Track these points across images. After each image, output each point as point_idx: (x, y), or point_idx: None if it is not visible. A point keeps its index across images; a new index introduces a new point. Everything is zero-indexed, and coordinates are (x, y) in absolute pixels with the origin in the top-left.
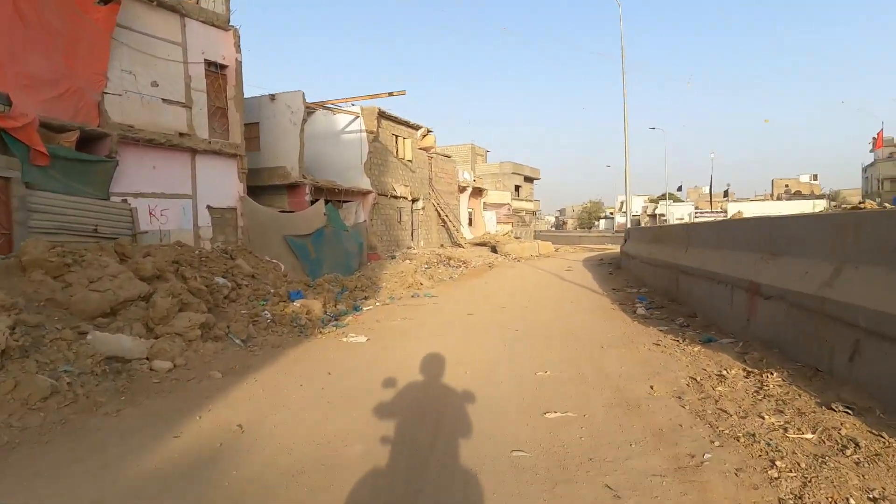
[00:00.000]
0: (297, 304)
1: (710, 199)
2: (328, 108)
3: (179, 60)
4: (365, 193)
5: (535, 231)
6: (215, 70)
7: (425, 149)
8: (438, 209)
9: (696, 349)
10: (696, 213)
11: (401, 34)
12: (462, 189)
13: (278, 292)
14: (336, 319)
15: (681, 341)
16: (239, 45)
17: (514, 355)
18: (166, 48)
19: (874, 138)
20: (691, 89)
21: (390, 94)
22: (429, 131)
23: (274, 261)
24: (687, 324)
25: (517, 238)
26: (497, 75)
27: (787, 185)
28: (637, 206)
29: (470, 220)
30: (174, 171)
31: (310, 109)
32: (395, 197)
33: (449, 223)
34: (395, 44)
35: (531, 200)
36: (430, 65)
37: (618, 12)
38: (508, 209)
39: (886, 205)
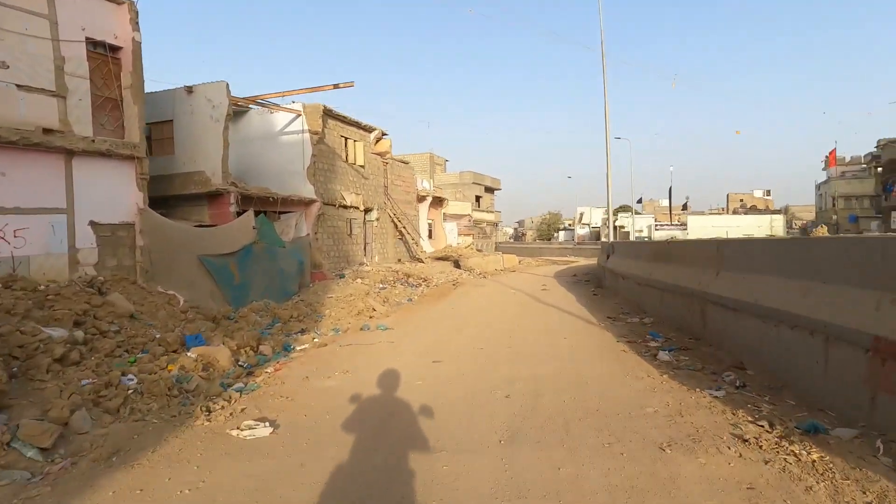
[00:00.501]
0: (191, 354)
1: (670, 211)
2: (262, 105)
3: (46, 37)
4: (308, 203)
5: (495, 243)
6: (104, 52)
7: (380, 154)
8: (395, 220)
9: (808, 453)
10: (655, 225)
11: (357, 31)
12: (421, 198)
13: (165, 339)
14: (251, 374)
15: (768, 431)
16: (137, 23)
17: (518, 476)
18: (23, 20)
19: (826, 157)
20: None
21: (336, 87)
22: (384, 134)
23: (170, 292)
24: (741, 383)
25: (479, 251)
26: (459, 78)
27: (741, 200)
28: (596, 217)
29: (430, 232)
30: (38, 179)
31: (239, 107)
32: (345, 206)
33: (407, 235)
34: (348, 40)
35: (492, 211)
36: (388, 69)
37: (596, 7)
38: (469, 220)
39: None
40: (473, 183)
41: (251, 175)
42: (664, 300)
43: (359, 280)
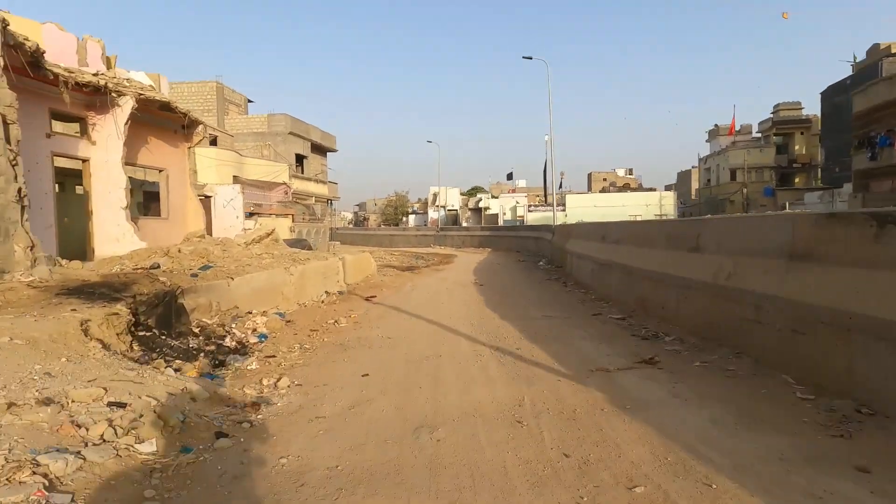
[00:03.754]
0: None
1: (545, 188)
2: None
3: None
4: None
5: (330, 229)
6: None
7: None
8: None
9: None
10: (529, 206)
11: None
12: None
13: None
14: None
15: None
16: None
17: None
18: None
19: (717, 126)
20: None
21: None
22: None
23: None
24: None
25: (300, 244)
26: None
27: (605, 179)
28: (453, 198)
29: (161, 206)
30: None
31: None
32: None
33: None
34: None
35: (323, 182)
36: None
37: None
38: (286, 192)
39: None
40: (291, 134)
41: None
42: None
43: None
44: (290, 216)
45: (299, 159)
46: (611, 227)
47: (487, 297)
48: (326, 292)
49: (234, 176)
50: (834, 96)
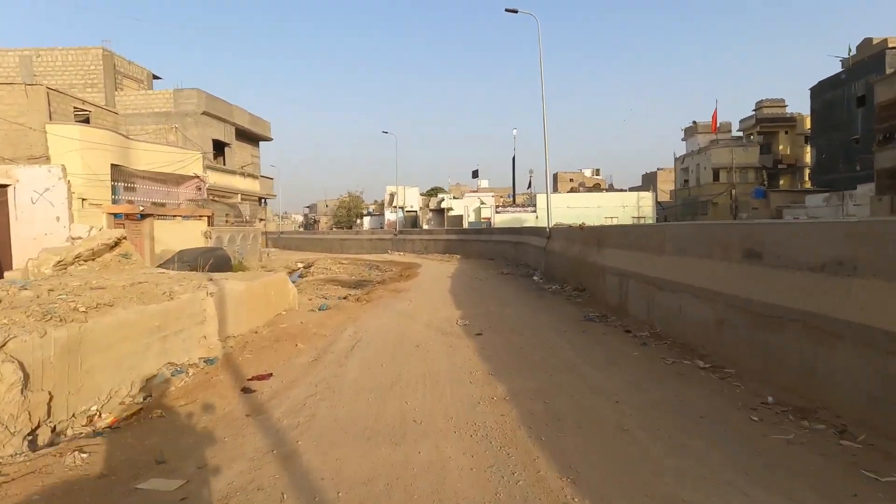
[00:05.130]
0: None
1: (514, 186)
2: None
3: None
4: None
5: (264, 234)
6: None
7: None
8: None
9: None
10: (497, 207)
11: None
12: None
13: None
14: None
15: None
16: None
17: None
18: None
19: (695, 123)
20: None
21: None
22: None
23: None
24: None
25: (210, 255)
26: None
27: (571, 179)
28: (412, 199)
29: None
30: None
31: None
32: None
33: None
34: None
35: (254, 176)
36: None
37: None
38: (198, 187)
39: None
40: (206, 115)
41: None
42: None
43: None
44: (206, 218)
45: (219, 147)
46: (764, 229)
47: (507, 381)
48: (170, 365)
49: (112, 165)
50: (825, 92)
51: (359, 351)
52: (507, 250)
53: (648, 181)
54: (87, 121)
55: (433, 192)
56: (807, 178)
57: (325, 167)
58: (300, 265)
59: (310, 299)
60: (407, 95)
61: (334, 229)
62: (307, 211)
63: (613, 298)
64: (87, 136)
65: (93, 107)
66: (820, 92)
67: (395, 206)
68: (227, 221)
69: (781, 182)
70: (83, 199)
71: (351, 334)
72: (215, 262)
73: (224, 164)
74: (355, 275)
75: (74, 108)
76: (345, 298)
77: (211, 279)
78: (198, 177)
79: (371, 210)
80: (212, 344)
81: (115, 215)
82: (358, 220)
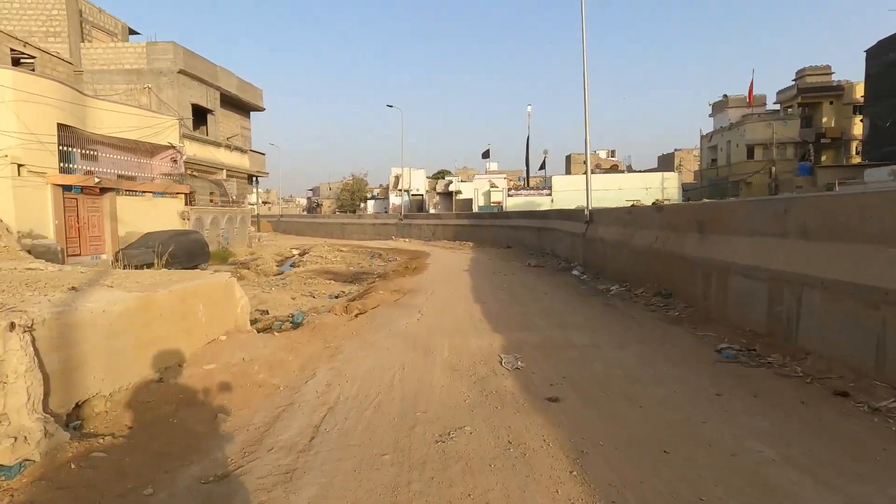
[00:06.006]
0: None
1: (527, 168)
2: None
3: None
4: None
5: (256, 216)
6: None
7: None
8: None
9: None
10: (509, 190)
11: None
12: None
13: None
14: None
15: None
16: None
17: None
18: None
19: (726, 97)
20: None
21: None
22: None
23: None
24: None
25: (183, 238)
26: None
27: (584, 162)
28: (418, 182)
29: None
30: None
31: None
32: None
33: None
34: None
35: (245, 151)
36: None
37: None
38: (174, 159)
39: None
40: (183, 74)
41: None
42: None
43: None
44: (183, 196)
45: (201, 114)
46: None
47: None
48: None
49: (62, 125)
50: (885, 53)
51: (323, 454)
52: (526, 237)
53: (665, 164)
54: (17, 63)
55: (440, 174)
56: (854, 153)
57: (330, 150)
58: (295, 252)
59: (293, 298)
60: (415, 71)
61: (337, 213)
62: (310, 194)
63: (755, 316)
64: (23, 84)
65: (38, 52)
66: (879, 53)
67: (401, 190)
68: (211, 201)
69: (823, 158)
70: (19, 165)
71: (320, 392)
72: (188, 247)
73: (207, 135)
74: (354, 265)
75: (12, 49)
76: (337, 297)
77: (46, 295)
78: (172, 147)
79: (376, 194)
80: (19, 430)
81: (66, 188)
82: (362, 205)
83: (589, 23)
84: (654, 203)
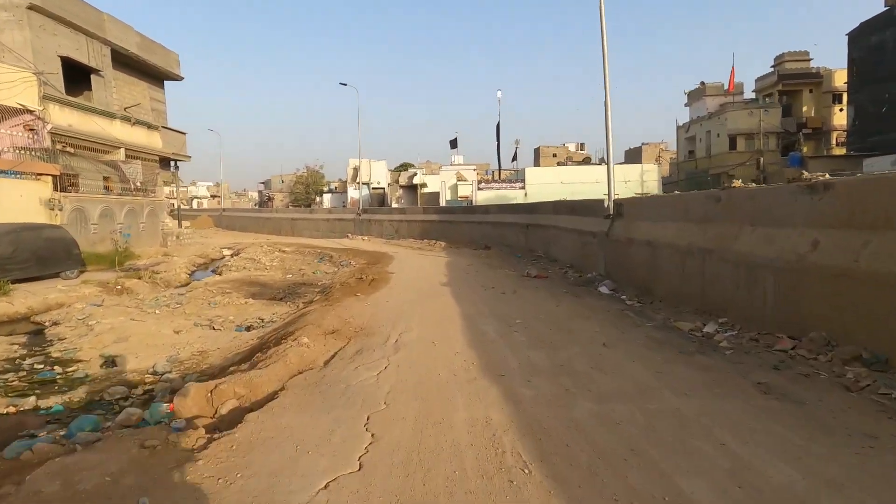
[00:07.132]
0: None
1: (498, 157)
2: None
3: None
4: None
5: (173, 209)
6: None
7: None
8: None
9: None
10: (480, 183)
11: None
12: None
13: None
14: None
15: None
16: None
17: None
18: None
19: (703, 85)
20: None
21: None
22: None
23: None
24: None
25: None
26: None
27: (554, 154)
28: (379, 174)
29: None
30: None
31: None
32: None
33: None
34: None
35: (157, 128)
36: None
37: None
38: (32, 128)
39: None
40: (36, 10)
41: None
42: None
43: None
44: (50, 179)
45: (80, 74)
46: None
47: None
48: None
49: None
50: (868, 36)
51: None
52: (509, 235)
53: (632, 158)
54: None
55: (403, 167)
56: (834, 144)
57: (285, 141)
58: (227, 252)
59: (177, 332)
60: (373, 56)
61: (290, 207)
62: (262, 187)
63: None
64: None
65: None
66: (860, 36)
67: (360, 182)
68: (107, 188)
69: (804, 149)
70: None
71: None
72: (37, 248)
73: (92, 102)
74: (294, 271)
75: None
76: (249, 329)
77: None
78: (28, 110)
79: (334, 188)
80: None
81: None
82: (317, 199)
83: (551, 8)
84: (793, 180)
